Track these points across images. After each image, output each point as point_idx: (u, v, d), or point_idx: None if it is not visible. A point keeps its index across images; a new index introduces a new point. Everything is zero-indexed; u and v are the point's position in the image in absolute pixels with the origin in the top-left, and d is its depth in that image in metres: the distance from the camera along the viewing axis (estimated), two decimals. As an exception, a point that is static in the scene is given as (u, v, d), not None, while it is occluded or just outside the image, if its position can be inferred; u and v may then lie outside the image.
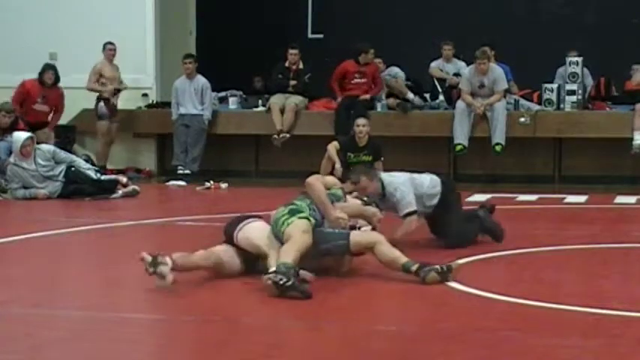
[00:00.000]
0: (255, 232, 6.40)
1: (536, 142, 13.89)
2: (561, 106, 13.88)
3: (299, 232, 6.17)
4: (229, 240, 6.44)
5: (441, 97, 14.45)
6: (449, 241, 7.73)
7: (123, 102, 14.54)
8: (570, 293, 6.17)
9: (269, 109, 14.31)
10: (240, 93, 15.33)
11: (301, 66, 14.47)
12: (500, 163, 13.85)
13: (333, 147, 11.77)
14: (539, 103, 13.99)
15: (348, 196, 7.06)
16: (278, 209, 6.50)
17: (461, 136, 13.51)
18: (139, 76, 14.92)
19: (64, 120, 14.17)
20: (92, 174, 11.70)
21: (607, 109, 14.04)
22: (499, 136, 13.46)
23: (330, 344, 5.02)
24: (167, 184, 13.67)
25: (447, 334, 5.12)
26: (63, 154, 11.83)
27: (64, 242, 8.54)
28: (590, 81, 14.38)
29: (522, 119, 13.59)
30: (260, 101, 14.88)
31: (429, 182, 7.84)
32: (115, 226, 9.41)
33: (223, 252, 6.41)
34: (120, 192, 11.68)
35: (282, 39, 15.27)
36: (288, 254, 5.99)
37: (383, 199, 7.57)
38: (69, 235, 8.73)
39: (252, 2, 17.33)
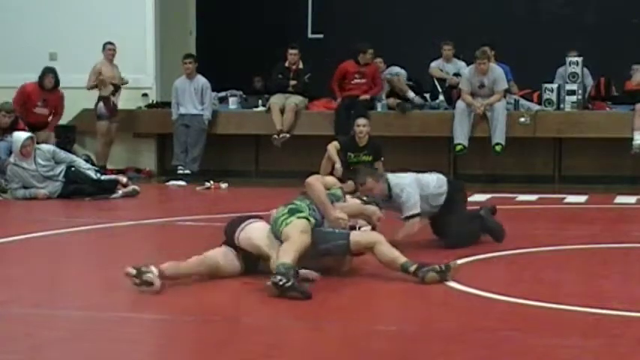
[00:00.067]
0: (256, 232, 6.39)
1: (536, 142, 13.90)
2: (561, 106, 13.88)
3: (297, 232, 6.17)
4: (230, 240, 6.43)
5: (441, 97, 14.46)
6: (449, 241, 7.73)
7: (123, 102, 14.55)
8: (570, 293, 6.17)
9: (269, 109, 14.31)
10: (240, 93, 15.33)
11: (301, 66, 14.47)
12: (500, 163, 13.85)
13: (333, 147, 11.78)
14: (539, 103, 13.99)
15: (347, 196, 7.07)
16: (278, 209, 6.50)
17: (461, 136, 13.52)
18: (139, 76, 14.92)
19: (64, 120, 14.18)
20: (92, 174, 11.70)
21: (607, 109, 14.04)
22: (499, 136, 13.46)
23: (330, 344, 5.02)
24: (167, 184, 13.67)
25: (447, 334, 5.12)
26: (63, 154, 11.83)
27: (64, 242, 8.54)
28: (590, 81, 14.39)
29: (522, 119, 13.60)
30: (260, 101, 14.88)
31: (436, 182, 7.82)
32: (115, 226, 9.41)
33: (222, 255, 6.39)
34: (120, 192, 11.68)
35: (282, 39, 15.28)
36: (287, 254, 5.99)
37: (389, 200, 7.56)
38: (69, 235, 8.72)
39: (252, 2, 17.34)
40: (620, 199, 11.75)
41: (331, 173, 11.41)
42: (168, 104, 14.58)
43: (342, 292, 6.10)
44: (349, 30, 16.23)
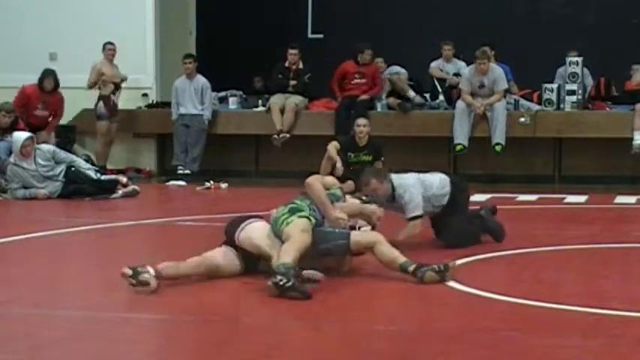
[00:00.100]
0: (256, 232, 6.39)
1: (536, 142, 13.90)
2: (561, 106, 13.88)
3: (298, 232, 6.17)
4: (230, 240, 6.43)
5: (441, 97, 14.46)
6: (449, 241, 7.72)
7: (123, 102, 14.55)
8: (570, 293, 6.17)
9: (269, 109, 14.31)
10: (240, 93, 15.33)
11: (301, 66, 14.47)
12: (500, 163, 13.85)
13: (333, 146, 11.78)
14: (539, 103, 13.99)
15: (347, 196, 7.07)
16: (278, 208, 6.50)
17: (461, 136, 13.52)
18: (139, 76, 14.92)
19: (64, 120, 14.17)
20: (92, 174, 11.70)
21: (607, 109, 14.05)
22: (499, 136, 13.46)
23: (330, 344, 5.02)
24: (167, 184, 13.68)
25: (447, 334, 5.12)
26: (63, 154, 11.83)
27: (64, 242, 8.54)
28: (590, 81, 14.39)
29: (522, 119, 13.60)
30: (260, 101, 14.88)
31: (438, 183, 7.80)
32: (115, 226, 9.41)
33: (222, 256, 6.39)
34: (120, 192, 11.68)
35: (282, 39, 15.28)
36: (288, 254, 5.99)
37: (392, 200, 7.55)
38: (69, 235, 8.72)
39: (252, 2, 17.34)
40: (620, 199, 11.75)
41: (332, 172, 11.43)
42: (168, 104, 14.58)
43: (342, 292, 6.10)
44: (349, 30, 16.23)
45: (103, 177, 11.99)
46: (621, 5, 16.15)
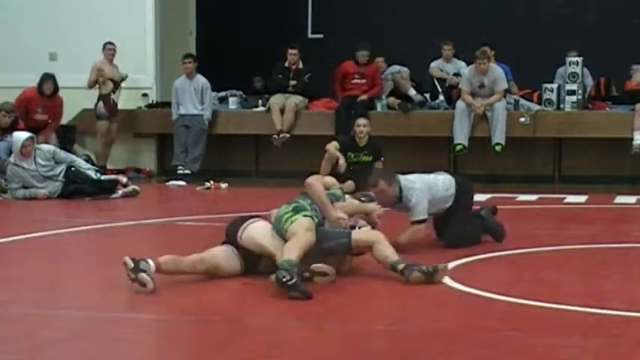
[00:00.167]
0: (259, 231, 6.39)
1: (536, 142, 13.90)
2: (561, 106, 13.88)
3: (303, 230, 6.18)
4: (232, 240, 6.43)
5: (441, 97, 14.45)
6: (449, 241, 7.72)
7: (123, 102, 14.55)
8: (570, 293, 6.17)
9: (269, 109, 14.31)
10: (240, 93, 15.33)
11: (301, 66, 14.47)
12: (500, 163, 13.85)
13: (333, 146, 11.78)
14: (539, 103, 13.99)
15: (346, 196, 7.07)
16: (281, 207, 6.50)
17: (461, 136, 13.52)
18: (139, 76, 14.91)
19: (64, 120, 14.16)
20: (92, 174, 11.70)
21: (607, 109, 14.05)
22: (499, 136, 13.46)
23: (330, 344, 5.02)
24: (167, 184, 13.67)
25: (447, 334, 5.12)
26: (63, 154, 11.83)
27: (64, 242, 8.54)
28: (590, 81, 14.39)
29: (522, 119, 13.60)
30: (260, 101, 14.88)
31: (444, 184, 7.75)
32: (115, 226, 9.41)
33: (222, 256, 6.39)
34: (120, 192, 11.68)
35: (282, 39, 15.28)
36: (292, 251, 5.99)
37: (399, 202, 7.54)
38: (69, 235, 8.73)
39: (252, 2, 17.34)
40: (620, 199, 11.75)
41: (335, 169, 11.45)
42: (168, 104, 14.58)
43: (342, 292, 6.10)
44: (349, 30, 16.23)
45: (103, 177, 11.98)
46: (621, 5, 16.15)
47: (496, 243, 7.88)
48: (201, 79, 14.28)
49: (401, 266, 6.29)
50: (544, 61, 14.63)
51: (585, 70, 14.16)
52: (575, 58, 14.15)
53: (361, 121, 11.85)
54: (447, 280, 6.39)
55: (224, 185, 13.06)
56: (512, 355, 4.76)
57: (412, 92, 14.24)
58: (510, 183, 13.46)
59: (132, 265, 5.96)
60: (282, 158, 14.27)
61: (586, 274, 6.88)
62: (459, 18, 16.18)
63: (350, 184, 11.13)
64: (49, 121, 13.57)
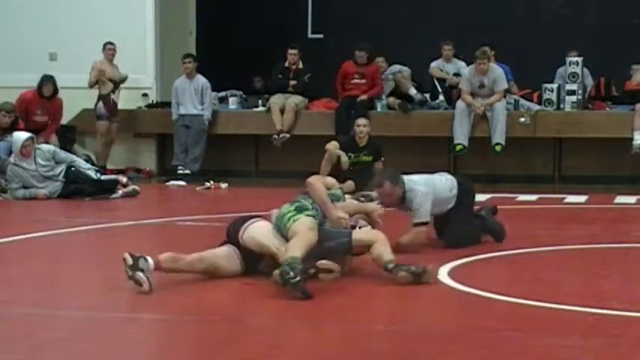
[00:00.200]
0: (260, 231, 6.39)
1: (536, 142, 13.90)
2: (561, 106, 13.88)
3: (305, 229, 6.18)
4: (233, 240, 6.43)
5: (441, 97, 14.45)
6: (449, 241, 7.72)
7: (123, 102, 14.54)
8: (570, 293, 6.17)
9: (269, 109, 14.31)
10: (240, 93, 15.33)
11: (301, 66, 14.47)
12: (500, 163, 13.85)
13: (333, 146, 11.78)
14: (539, 103, 13.99)
15: (346, 196, 7.08)
16: (282, 207, 6.50)
17: (461, 136, 13.52)
18: (139, 76, 14.91)
19: (64, 120, 14.16)
20: (92, 174, 11.70)
21: (607, 109, 14.04)
22: (499, 136, 13.46)
23: (330, 344, 5.02)
24: (167, 184, 13.68)
25: (447, 334, 5.12)
26: (63, 154, 11.83)
27: (64, 242, 8.54)
28: (590, 81, 14.39)
29: (522, 119, 13.60)
30: (260, 101, 14.88)
31: (447, 186, 7.75)
32: (115, 226, 9.41)
33: (222, 256, 6.39)
34: (120, 192, 11.68)
35: (282, 39, 15.27)
36: (296, 249, 5.98)
37: (402, 202, 7.53)
38: (69, 235, 8.73)
39: (252, 2, 17.34)
40: (620, 199, 11.75)
41: (337, 167, 11.45)
42: (168, 104, 14.58)
43: (342, 292, 6.10)
44: (349, 30, 16.22)
45: (103, 177, 11.98)
46: (621, 5, 16.14)
47: (496, 243, 7.88)
48: (201, 79, 14.28)
49: (391, 265, 6.29)
50: (544, 61, 14.63)
51: (585, 70, 14.16)
52: (575, 58, 14.15)
53: (361, 121, 11.85)
54: (447, 280, 6.39)
55: (224, 185, 13.06)
56: (512, 355, 4.76)
57: (413, 91, 14.24)
58: (510, 183, 13.46)
59: (130, 262, 5.96)
60: (282, 158, 14.27)
61: (586, 274, 6.88)
62: (459, 18, 16.18)
63: (350, 184, 11.13)
64: (49, 122, 13.56)
